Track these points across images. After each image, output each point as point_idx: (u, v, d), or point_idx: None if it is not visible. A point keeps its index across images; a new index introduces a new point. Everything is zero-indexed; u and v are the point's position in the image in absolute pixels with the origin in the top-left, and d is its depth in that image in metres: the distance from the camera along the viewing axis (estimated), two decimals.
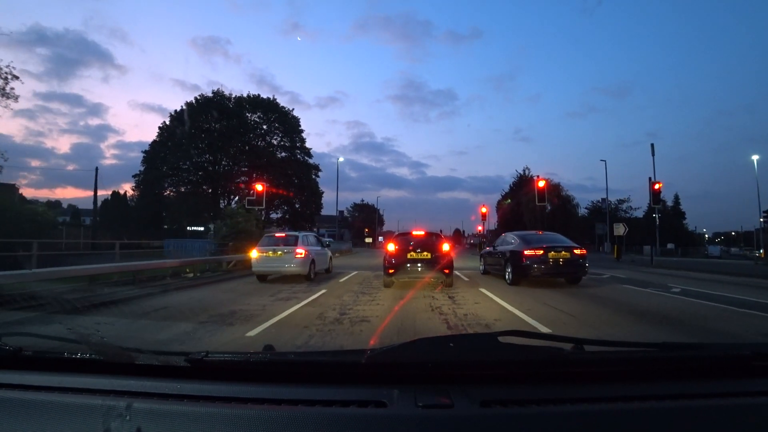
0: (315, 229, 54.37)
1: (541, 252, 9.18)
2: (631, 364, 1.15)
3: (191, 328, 5.25)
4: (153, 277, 11.27)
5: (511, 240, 10.56)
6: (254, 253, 10.87)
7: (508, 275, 9.79)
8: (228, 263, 13.95)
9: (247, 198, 17.86)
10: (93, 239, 25.73)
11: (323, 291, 8.82)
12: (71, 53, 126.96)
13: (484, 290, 8.88)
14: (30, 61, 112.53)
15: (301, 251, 10.62)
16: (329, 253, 13.73)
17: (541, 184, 16.84)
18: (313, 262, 11.08)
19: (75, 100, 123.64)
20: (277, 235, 11.62)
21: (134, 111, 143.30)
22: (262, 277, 11.10)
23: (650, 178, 18.04)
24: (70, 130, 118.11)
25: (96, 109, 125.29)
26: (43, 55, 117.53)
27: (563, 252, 9.27)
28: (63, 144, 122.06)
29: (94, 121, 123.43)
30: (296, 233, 11.52)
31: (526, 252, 9.28)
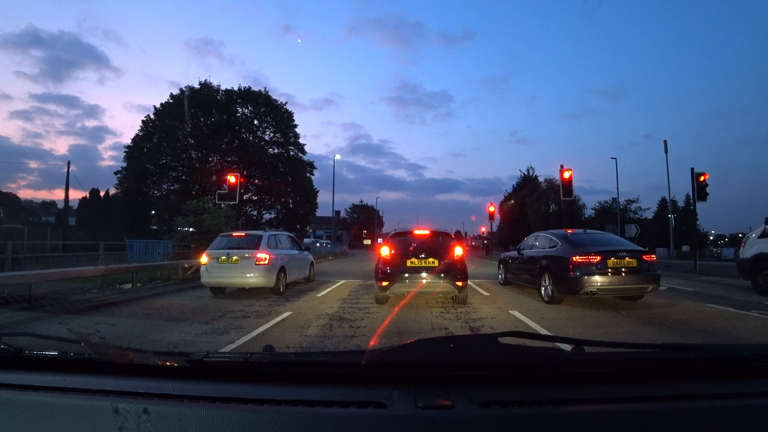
0: (310, 230, 51.87)
1: (598, 258, 6.45)
2: (632, 364, 1.13)
3: None
4: (74, 289, 8.64)
5: (548, 241, 7.81)
6: (203, 258, 8.18)
7: (546, 290, 7.09)
8: (185, 270, 11.23)
9: (217, 192, 15.04)
10: (64, 240, 23.49)
11: (286, 315, 6.13)
12: (66, 55, 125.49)
13: (516, 313, 6.22)
14: (25, 63, 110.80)
15: (264, 256, 7.88)
16: (310, 258, 11.00)
17: (567, 175, 14.14)
18: (282, 270, 8.36)
19: (71, 102, 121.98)
20: (234, 234, 8.83)
21: (130, 113, 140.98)
22: (218, 290, 8.43)
23: (692, 169, 15.16)
24: (67, 132, 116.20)
25: (92, 111, 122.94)
26: (38, 57, 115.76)
27: (627, 258, 6.54)
28: (61, 145, 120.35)
29: (90, 123, 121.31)
30: (260, 232, 8.76)
31: (575, 258, 6.56)
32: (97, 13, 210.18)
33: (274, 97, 40.44)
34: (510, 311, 6.38)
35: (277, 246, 8.71)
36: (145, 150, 36.60)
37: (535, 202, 47.21)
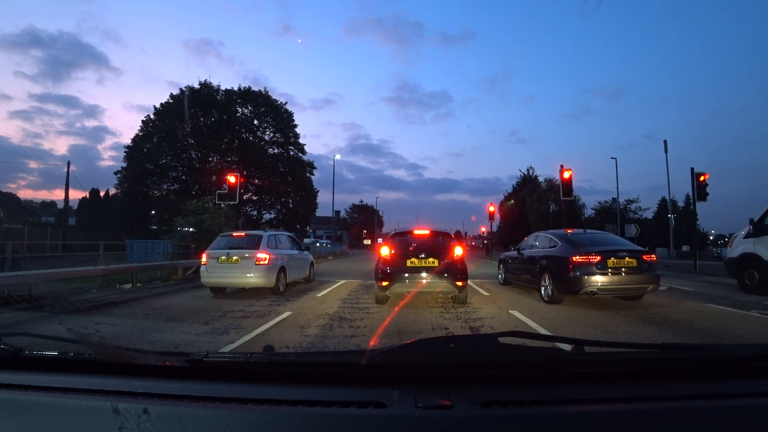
0: (310, 230, 51.85)
1: (598, 258, 6.46)
2: (632, 364, 1.12)
3: None
4: (74, 289, 8.64)
5: (547, 241, 7.81)
6: (203, 258, 8.18)
7: (546, 290, 7.10)
8: (185, 270, 11.23)
9: (217, 192, 15.04)
10: (64, 240, 23.51)
11: (286, 315, 6.14)
12: (66, 55, 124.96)
13: (516, 313, 6.23)
14: (24, 63, 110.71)
15: (264, 256, 7.89)
16: (310, 258, 11.00)
17: (567, 175, 14.14)
18: (282, 270, 8.37)
19: (71, 102, 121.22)
20: (234, 234, 8.84)
21: (130, 113, 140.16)
22: (218, 290, 8.43)
23: (692, 169, 15.19)
24: (67, 132, 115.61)
25: (92, 111, 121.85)
26: (37, 57, 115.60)
27: (627, 258, 6.55)
28: (60, 145, 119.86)
29: (90, 123, 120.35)
30: (260, 232, 8.77)
31: (575, 258, 6.56)
32: (96, 13, 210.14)
33: (273, 97, 40.50)
34: (510, 311, 6.38)
35: (277, 246, 8.72)
36: (145, 150, 36.60)
37: (535, 202, 47.16)
